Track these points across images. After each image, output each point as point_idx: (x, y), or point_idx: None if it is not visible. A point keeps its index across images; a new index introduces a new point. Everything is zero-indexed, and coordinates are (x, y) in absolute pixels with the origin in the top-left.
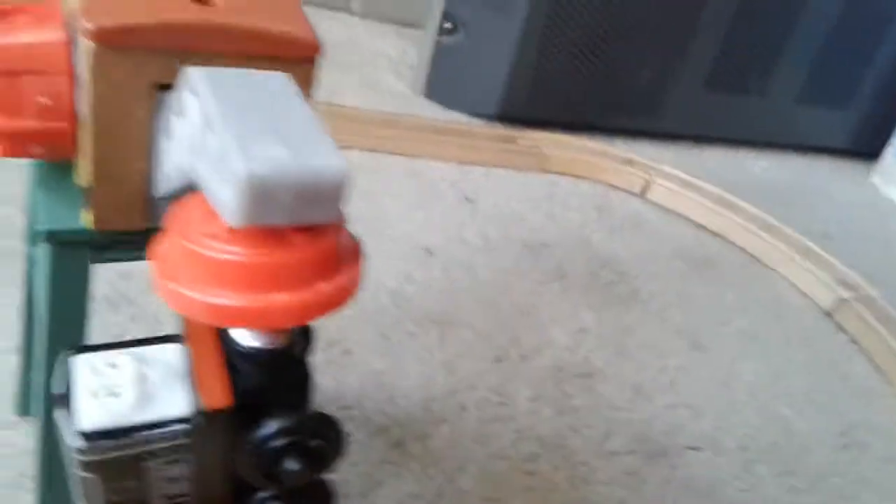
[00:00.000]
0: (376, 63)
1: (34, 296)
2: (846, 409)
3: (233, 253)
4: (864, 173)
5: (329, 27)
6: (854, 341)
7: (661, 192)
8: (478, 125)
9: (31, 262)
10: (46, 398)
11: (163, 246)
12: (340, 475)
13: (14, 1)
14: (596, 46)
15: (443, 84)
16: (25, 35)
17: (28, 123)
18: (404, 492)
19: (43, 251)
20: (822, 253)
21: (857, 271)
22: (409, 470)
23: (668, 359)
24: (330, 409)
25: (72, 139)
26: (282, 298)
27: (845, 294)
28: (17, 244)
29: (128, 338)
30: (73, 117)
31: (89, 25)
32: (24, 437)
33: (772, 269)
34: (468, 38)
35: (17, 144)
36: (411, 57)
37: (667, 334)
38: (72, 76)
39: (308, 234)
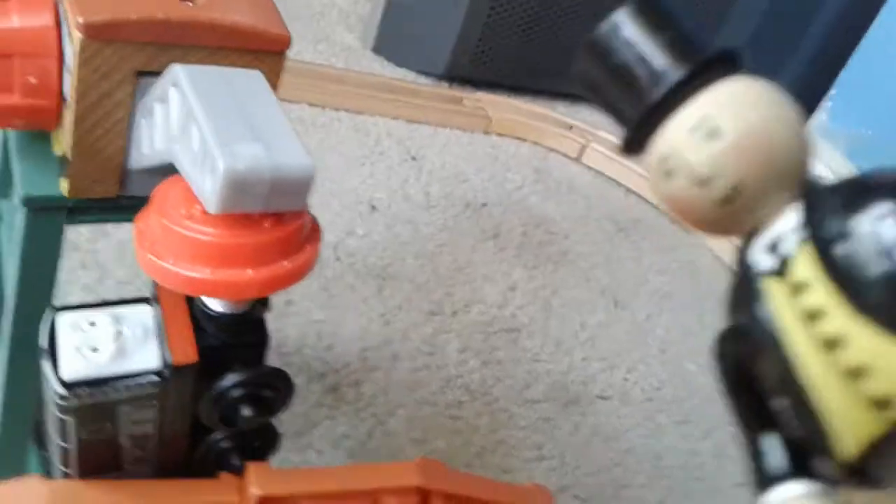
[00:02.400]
0: (328, 14)
1: (1, 247)
2: None
3: (208, 234)
4: None
5: None
6: None
7: (597, 156)
8: (424, 83)
9: None
10: (13, 346)
11: (145, 222)
12: (280, 416)
13: None
14: (544, 14)
15: (392, 41)
16: (17, 19)
17: (16, 100)
18: (338, 433)
19: (20, 214)
20: None
21: None
22: (343, 413)
23: (589, 316)
24: (272, 356)
25: (55, 115)
26: (248, 274)
27: None
28: None
29: (79, 283)
30: (59, 96)
31: (79, 19)
32: None
33: (692, 234)
34: None
35: (3, 117)
36: (363, 8)
37: (591, 293)
38: (59, 59)
39: (275, 219)
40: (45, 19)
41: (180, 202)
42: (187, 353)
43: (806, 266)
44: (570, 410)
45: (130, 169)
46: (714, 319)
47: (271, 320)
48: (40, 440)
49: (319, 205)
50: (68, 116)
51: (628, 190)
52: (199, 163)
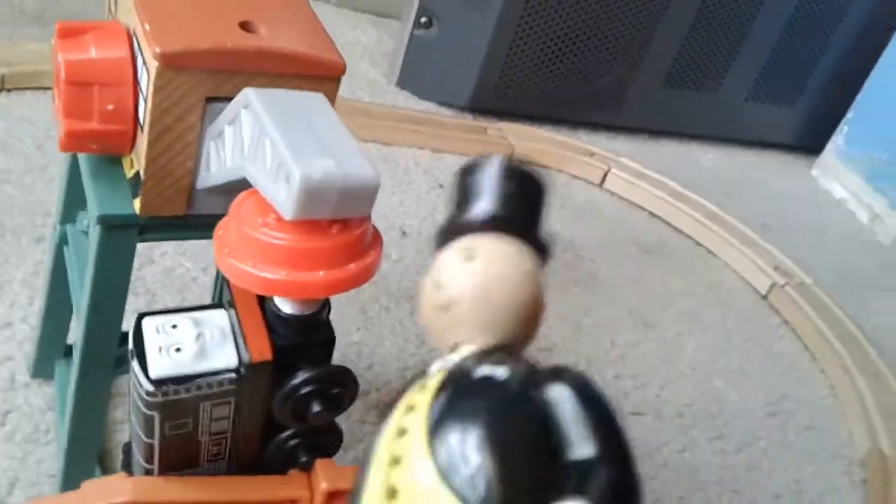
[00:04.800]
0: (353, 51)
1: (71, 269)
2: (775, 384)
3: (283, 239)
4: (805, 167)
5: None
6: (786, 323)
7: (618, 182)
8: (448, 115)
9: (61, 238)
10: (85, 358)
11: (224, 230)
12: None
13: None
14: (564, 46)
15: (416, 75)
16: (95, 51)
17: (94, 126)
18: None
19: (94, 232)
20: (761, 241)
21: (792, 259)
22: None
23: (618, 335)
24: None
25: (130, 139)
26: (319, 276)
27: (780, 280)
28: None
29: (129, 308)
30: (133, 121)
31: (156, 48)
32: (39, 397)
33: (715, 255)
34: (442, 32)
35: (81, 142)
36: (386, 46)
37: (619, 314)
38: (135, 87)
39: (342, 225)
40: (121, 51)
41: (255, 211)
42: (263, 351)
43: (436, 377)
44: None
45: (197, 189)
46: (741, 339)
47: None
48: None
49: None
50: (142, 140)
51: (651, 214)
52: (273, 175)
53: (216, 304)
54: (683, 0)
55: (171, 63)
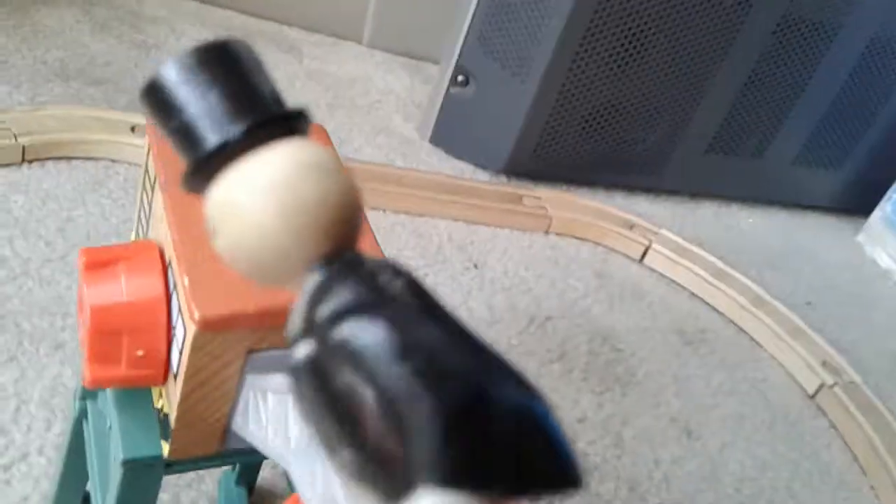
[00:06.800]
0: (385, 103)
1: (89, 448)
2: (824, 503)
3: None
4: (850, 232)
5: (339, 61)
6: (833, 427)
7: (660, 259)
8: (482, 178)
9: (81, 414)
10: None
11: None
12: None
13: (109, 249)
14: (606, 114)
15: (450, 133)
16: (126, 289)
17: (122, 371)
18: None
19: (118, 472)
20: (808, 329)
21: (840, 348)
22: None
23: (661, 450)
24: None
25: (160, 380)
26: None
27: (828, 379)
28: None
29: None
30: (165, 364)
31: (196, 314)
32: None
33: (760, 345)
34: (479, 92)
35: (107, 384)
36: (419, 94)
37: (661, 422)
38: (168, 328)
39: None
40: (154, 288)
41: None
42: None
43: None
44: None
45: (232, 429)
46: (787, 449)
47: None
48: None
49: None
50: (174, 387)
51: (692, 294)
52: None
53: None
54: (732, 68)
55: (211, 327)
